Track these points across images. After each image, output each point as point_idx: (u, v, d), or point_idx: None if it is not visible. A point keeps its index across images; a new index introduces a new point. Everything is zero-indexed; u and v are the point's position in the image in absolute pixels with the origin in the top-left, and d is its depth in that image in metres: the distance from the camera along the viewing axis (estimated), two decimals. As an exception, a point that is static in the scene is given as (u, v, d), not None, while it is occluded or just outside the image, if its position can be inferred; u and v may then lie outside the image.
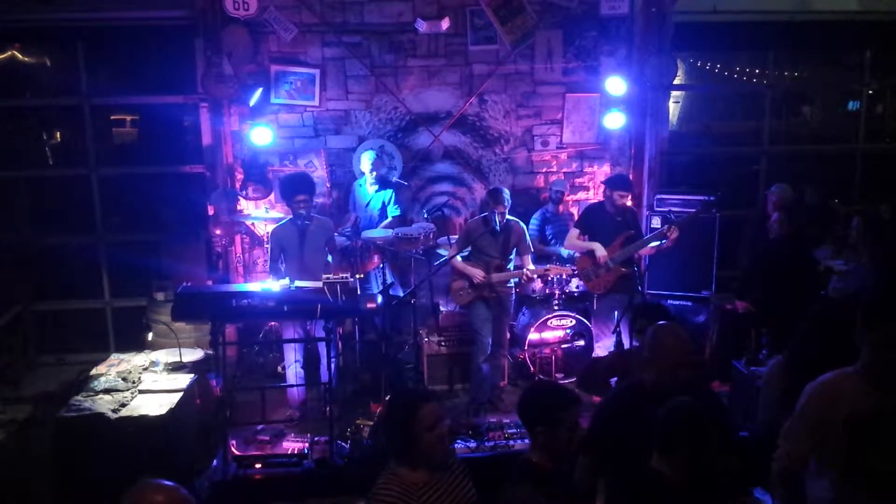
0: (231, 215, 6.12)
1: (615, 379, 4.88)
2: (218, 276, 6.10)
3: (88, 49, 6.27)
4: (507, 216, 5.30)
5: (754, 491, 3.45)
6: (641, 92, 6.43)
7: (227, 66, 5.89)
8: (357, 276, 5.03)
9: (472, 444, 4.76)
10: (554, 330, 5.79)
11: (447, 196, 6.55)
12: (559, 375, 5.76)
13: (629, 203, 5.67)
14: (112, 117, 7.84)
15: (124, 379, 4.76)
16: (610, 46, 6.46)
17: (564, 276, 5.82)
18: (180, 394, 4.61)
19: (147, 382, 4.77)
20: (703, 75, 7.49)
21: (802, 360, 3.27)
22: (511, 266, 5.43)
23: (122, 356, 5.21)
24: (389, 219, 5.97)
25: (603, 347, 5.63)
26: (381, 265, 5.46)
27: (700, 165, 7.56)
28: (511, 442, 4.75)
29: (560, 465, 2.64)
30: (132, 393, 4.60)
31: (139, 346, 5.73)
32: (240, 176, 6.24)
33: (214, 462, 4.55)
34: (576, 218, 6.13)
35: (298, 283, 4.79)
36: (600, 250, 5.44)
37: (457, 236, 5.73)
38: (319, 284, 4.64)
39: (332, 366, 4.88)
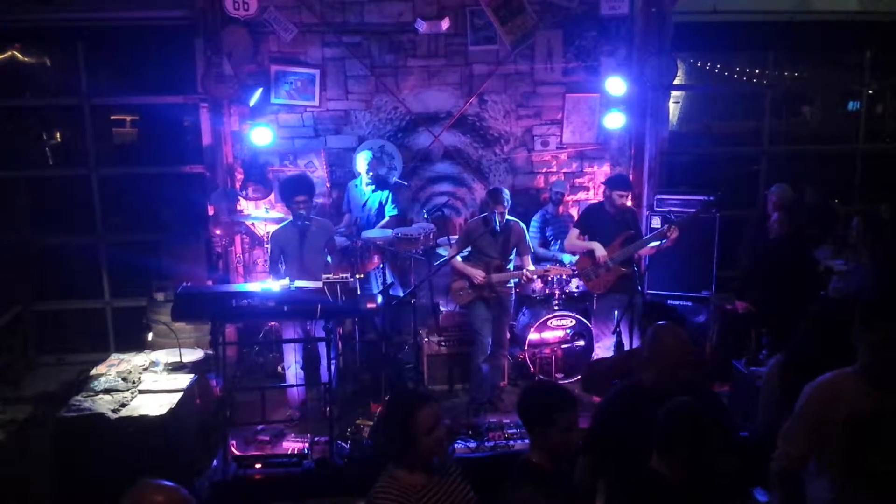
0: (231, 215, 6.12)
1: (615, 382, 4.88)
2: (218, 276, 6.11)
3: (88, 49, 6.27)
4: (507, 216, 5.30)
5: (754, 491, 3.45)
6: (641, 92, 6.43)
7: (227, 66, 5.89)
8: (357, 276, 5.03)
9: (472, 444, 4.76)
10: (554, 330, 5.79)
11: (447, 196, 6.55)
12: (559, 375, 5.76)
13: (629, 203, 5.67)
14: (112, 117, 7.84)
15: (124, 379, 4.76)
16: (610, 46, 6.46)
17: (564, 277, 5.82)
18: (180, 394, 4.61)
19: (147, 382, 4.77)
20: (703, 75, 7.48)
21: (802, 360, 3.27)
22: (511, 266, 5.43)
23: (122, 356, 5.21)
24: (387, 218, 5.97)
25: (603, 347, 5.63)
26: (381, 265, 5.46)
27: (700, 165, 7.55)
28: (511, 442, 4.75)
29: (560, 465, 2.64)
30: (132, 393, 4.60)
31: (139, 346, 5.73)
32: (240, 176, 6.25)
33: (214, 462, 4.55)
34: (576, 219, 6.12)
35: (298, 283, 4.78)
36: (600, 250, 5.45)
37: (457, 236, 5.73)
38: (319, 284, 4.64)
39: (332, 366, 4.88)
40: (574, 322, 5.80)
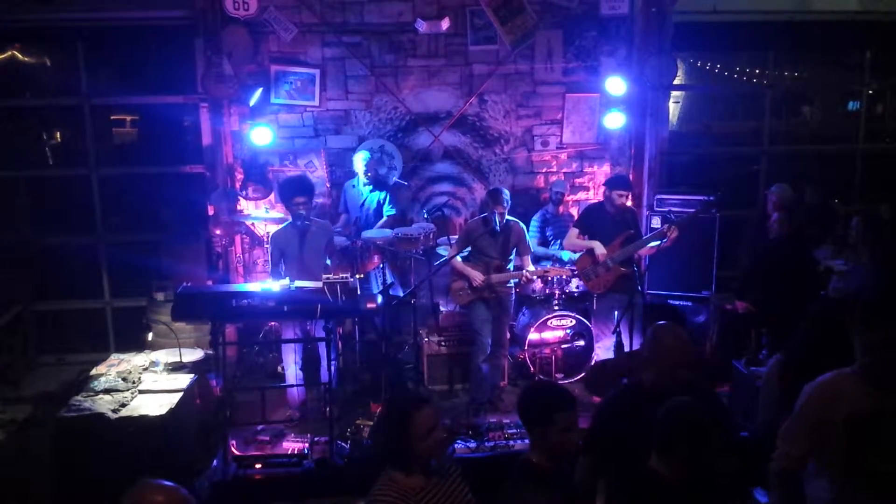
0: (231, 215, 6.12)
1: (625, 381, 4.87)
2: (218, 276, 6.11)
3: (88, 49, 6.27)
4: (507, 216, 5.30)
5: (754, 491, 3.45)
6: (641, 92, 6.43)
7: (227, 66, 5.89)
8: (357, 276, 5.03)
9: (472, 444, 4.76)
10: (554, 330, 5.79)
11: (447, 196, 6.55)
12: (559, 375, 5.76)
13: (629, 203, 5.67)
14: (112, 117, 7.83)
15: (124, 379, 4.76)
16: (610, 46, 6.45)
17: (564, 277, 5.82)
18: (180, 394, 4.61)
19: (147, 382, 4.77)
20: (703, 75, 7.48)
21: (802, 360, 3.27)
22: (511, 266, 5.43)
23: (122, 356, 5.21)
24: (385, 218, 5.97)
25: (603, 347, 5.64)
26: (381, 265, 5.46)
27: (700, 165, 7.55)
28: (511, 442, 4.75)
29: (560, 466, 2.64)
30: (132, 393, 4.60)
31: (139, 346, 5.73)
32: (240, 176, 6.24)
33: (214, 462, 4.55)
34: (576, 218, 6.13)
35: (298, 283, 4.78)
36: (599, 248, 5.45)
37: (457, 236, 5.73)
38: (319, 284, 4.64)
39: (332, 366, 4.88)
40: (574, 322, 5.80)
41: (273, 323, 5.89)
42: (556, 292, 5.88)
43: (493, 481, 2.66)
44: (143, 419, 4.30)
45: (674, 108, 8.01)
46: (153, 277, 5.93)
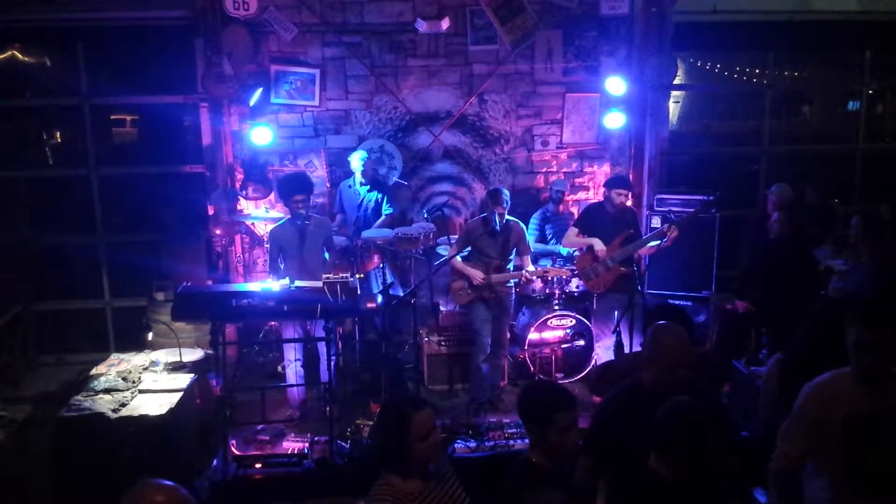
0: (231, 215, 6.12)
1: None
2: (218, 276, 6.11)
3: (88, 49, 6.27)
4: (507, 216, 5.30)
5: (754, 491, 3.45)
6: (641, 92, 6.43)
7: (227, 66, 5.90)
8: (357, 275, 5.03)
9: (472, 444, 4.76)
10: (554, 330, 5.78)
11: (447, 196, 6.55)
12: (559, 375, 5.76)
13: (629, 203, 5.67)
14: (112, 117, 7.83)
15: (124, 379, 4.76)
16: (610, 46, 6.46)
17: (564, 277, 5.82)
18: (180, 394, 4.61)
19: (147, 382, 4.77)
20: (703, 75, 7.48)
21: (802, 360, 3.27)
22: (511, 266, 5.43)
23: (122, 356, 5.22)
24: (383, 217, 5.97)
25: (603, 347, 5.64)
26: (381, 265, 5.46)
27: (700, 165, 7.55)
28: (511, 442, 4.75)
29: (560, 465, 2.64)
30: (132, 393, 4.60)
31: (139, 346, 5.73)
32: (240, 176, 6.25)
33: (214, 462, 4.55)
34: (576, 217, 6.13)
35: (298, 283, 4.78)
36: (599, 244, 5.45)
37: (457, 236, 5.73)
38: (319, 284, 4.64)
39: (332, 366, 4.88)
40: (574, 322, 5.80)
41: (273, 323, 5.89)
42: (556, 292, 5.88)
43: (493, 481, 2.66)
44: (143, 419, 4.30)
45: (674, 108, 8.01)
46: (153, 277, 5.93)
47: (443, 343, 5.78)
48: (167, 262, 6.03)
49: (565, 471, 2.72)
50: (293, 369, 5.37)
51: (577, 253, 5.73)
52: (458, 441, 4.74)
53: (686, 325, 4.78)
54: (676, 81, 6.67)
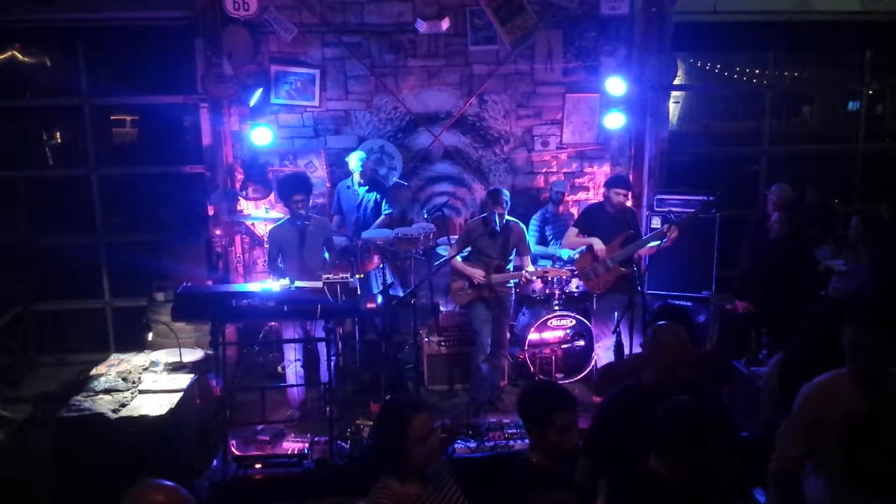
0: (231, 215, 6.12)
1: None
2: (218, 276, 6.10)
3: (88, 49, 6.27)
4: (507, 217, 5.30)
5: (754, 491, 3.45)
6: (641, 92, 6.43)
7: (227, 66, 5.90)
8: (357, 276, 5.03)
9: (472, 444, 4.75)
10: (554, 330, 5.79)
11: (447, 196, 6.55)
12: (559, 375, 5.76)
13: (628, 202, 5.67)
14: (112, 117, 7.84)
15: (124, 379, 4.76)
16: (610, 46, 6.46)
17: (564, 277, 5.82)
18: (180, 394, 4.61)
19: (147, 382, 4.77)
20: (703, 75, 7.48)
21: (801, 360, 3.28)
22: (511, 267, 5.43)
23: (122, 356, 5.21)
24: (382, 216, 5.97)
25: (603, 347, 5.63)
26: (381, 265, 5.46)
27: (700, 165, 7.55)
28: (511, 442, 4.75)
29: (560, 465, 2.64)
30: (132, 393, 4.60)
31: (139, 346, 5.73)
32: (240, 176, 6.25)
33: (214, 462, 4.55)
34: (576, 218, 6.12)
35: (298, 284, 4.79)
36: (598, 244, 5.45)
37: (457, 236, 5.73)
38: (319, 284, 4.64)
39: (332, 366, 4.88)
40: (574, 322, 5.80)
41: (273, 323, 5.89)
42: (556, 292, 5.88)
43: (493, 481, 2.66)
44: (143, 419, 4.30)
45: (674, 108, 8.01)
46: (153, 277, 5.94)
47: (443, 343, 5.78)
48: (167, 262, 6.03)
49: (565, 471, 2.72)
50: (293, 370, 5.37)
51: (576, 255, 5.73)
52: (458, 441, 4.74)
53: (688, 325, 4.79)
54: (676, 81, 6.67)
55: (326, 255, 5.34)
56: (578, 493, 2.82)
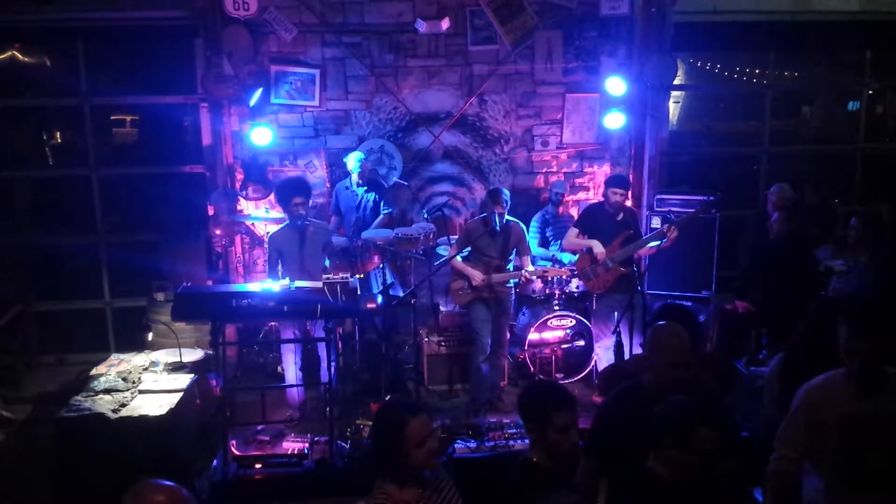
0: (231, 215, 6.12)
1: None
2: (218, 276, 6.11)
3: (88, 49, 6.28)
4: (507, 217, 5.29)
5: (754, 491, 3.45)
6: (641, 92, 6.44)
7: (227, 66, 5.90)
8: (357, 276, 5.03)
9: (472, 444, 4.74)
10: (554, 330, 5.78)
11: (447, 196, 6.56)
12: (559, 375, 5.76)
13: (628, 202, 5.67)
14: (112, 117, 7.84)
15: (124, 379, 4.76)
16: (610, 46, 6.46)
17: (564, 277, 5.82)
18: (180, 394, 4.61)
19: (147, 382, 4.77)
20: (703, 75, 7.49)
21: (802, 360, 3.27)
22: (511, 267, 5.43)
23: (122, 356, 5.21)
24: (381, 216, 5.97)
25: (603, 347, 5.63)
26: (381, 265, 5.46)
27: (700, 165, 7.56)
28: (511, 442, 4.74)
29: (560, 465, 2.63)
30: (132, 393, 4.60)
31: (139, 346, 5.73)
32: (240, 176, 6.25)
33: (214, 462, 4.55)
34: (576, 218, 6.12)
35: (298, 283, 4.78)
36: (598, 247, 5.44)
37: (457, 236, 5.73)
38: (319, 285, 4.63)
39: (332, 366, 4.88)
40: (574, 322, 5.80)
41: (273, 323, 5.89)
42: (556, 292, 5.88)
43: (493, 481, 2.65)
44: (143, 419, 4.30)
45: (674, 108, 8.01)
46: (153, 277, 5.93)
47: (443, 343, 5.78)
48: (167, 262, 6.03)
49: (566, 470, 2.72)
50: (293, 370, 5.37)
51: (576, 257, 5.73)
52: (458, 441, 4.73)
53: (691, 325, 4.77)
54: (676, 81, 6.67)
55: (327, 262, 5.33)
56: (579, 493, 2.82)
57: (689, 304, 6.19)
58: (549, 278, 5.79)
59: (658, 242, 5.46)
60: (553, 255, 6.12)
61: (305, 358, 5.46)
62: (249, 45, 6.01)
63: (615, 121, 6.33)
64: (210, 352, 5.16)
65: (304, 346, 5.42)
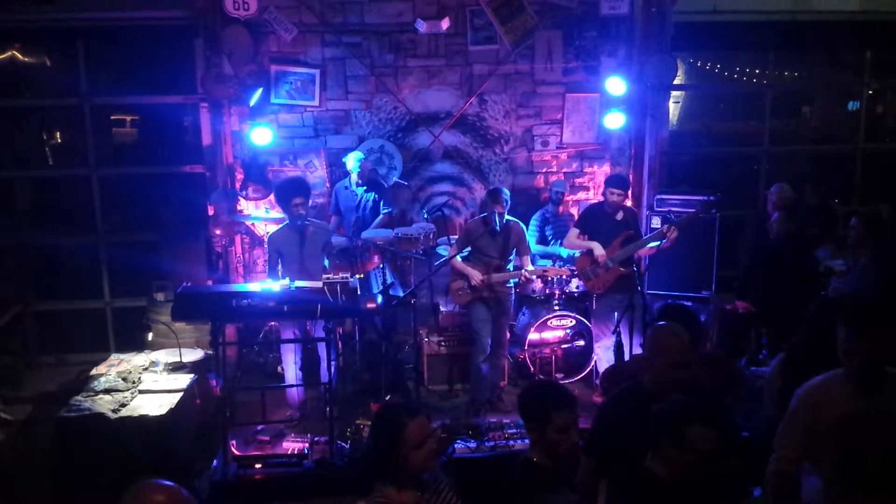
0: (231, 215, 6.12)
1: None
2: (218, 276, 6.10)
3: (88, 49, 6.28)
4: (507, 216, 5.29)
5: (754, 491, 3.45)
6: (641, 92, 6.44)
7: (227, 66, 5.90)
8: (357, 276, 5.03)
9: (472, 445, 4.75)
10: (554, 330, 5.78)
11: (447, 196, 6.56)
12: (559, 375, 5.76)
13: (627, 202, 5.67)
14: (112, 117, 7.84)
15: (124, 379, 4.76)
16: (610, 46, 6.46)
17: (564, 277, 5.82)
18: (180, 394, 4.61)
19: (147, 382, 4.77)
20: (703, 75, 7.49)
21: (802, 360, 3.27)
22: (510, 266, 5.42)
23: (122, 356, 5.21)
24: (381, 216, 5.97)
25: (603, 347, 5.63)
26: (381, 265, 5.46)
27: (700, 165, 7.56)
28: (511, 442, 4.74)
29: (561, 465, 2.63)
30: (132, 393, 4.60)
31: (139, 346, 5.73)
32: (240, 176, 6.24)
33: (214, 462, 4.55)
34: (576, 218, 6.12)
35: (298, 283, 4.78)
36: (598, 249, 5.44)
37: (457, 236, 5.73)
38: (319, 284, 4.63)
39: (332, 366, 4.88)
40: (574, 322, 5.80)
41: (273, 323, 5.89)
42: (556, 292, 5.88)
43: (493, 481, 2.65)
44: (143, 419, 4.30)
45: (674, 108, 8.02)
46: (153, 277, 5.93)
47: (443, 343, 5.78)
48: (167, 262, 6.03)
49: (566, 470, 2.72)
50: (293, 370, 5.37)
51: (577, 254, 5.72)
52: (458, 441, 4.73)
53: (693, 324, 4.77)
54: (676, 81, 6.67)
55: (326, 262, 5.33)
56: (579, 493, 2.82)
57: (690, 303, 6.19)
58: (549, 278, 5.79)
59: (658, 242, 5.46)
60: (552, 252, 6.12)
61: (305, 358, 5.45)
62: (249, 45, 6.01)
63: (615, 121, 6.33)
64: (210, 352, 5.16)
65: (304, 346, 5.42)
